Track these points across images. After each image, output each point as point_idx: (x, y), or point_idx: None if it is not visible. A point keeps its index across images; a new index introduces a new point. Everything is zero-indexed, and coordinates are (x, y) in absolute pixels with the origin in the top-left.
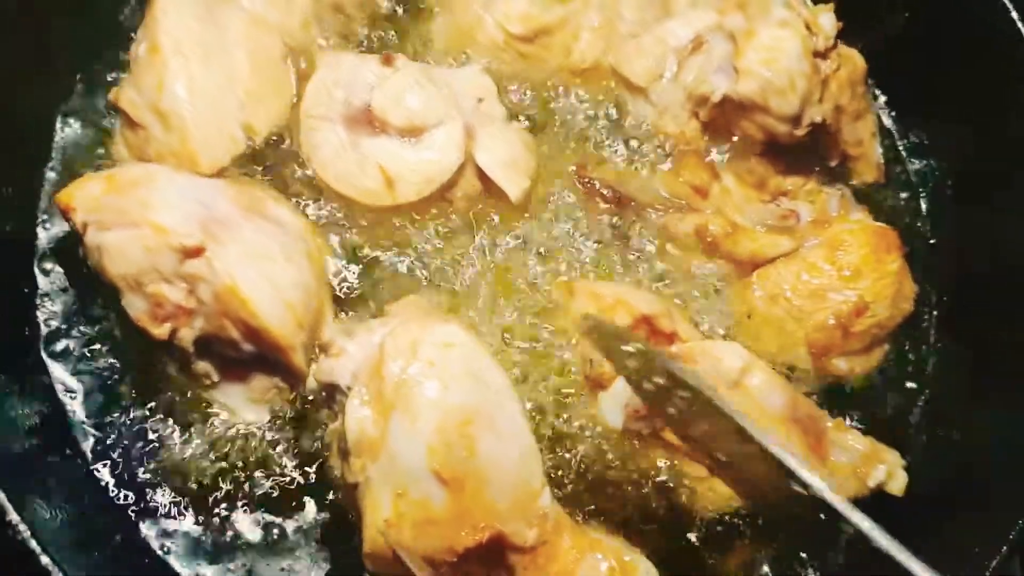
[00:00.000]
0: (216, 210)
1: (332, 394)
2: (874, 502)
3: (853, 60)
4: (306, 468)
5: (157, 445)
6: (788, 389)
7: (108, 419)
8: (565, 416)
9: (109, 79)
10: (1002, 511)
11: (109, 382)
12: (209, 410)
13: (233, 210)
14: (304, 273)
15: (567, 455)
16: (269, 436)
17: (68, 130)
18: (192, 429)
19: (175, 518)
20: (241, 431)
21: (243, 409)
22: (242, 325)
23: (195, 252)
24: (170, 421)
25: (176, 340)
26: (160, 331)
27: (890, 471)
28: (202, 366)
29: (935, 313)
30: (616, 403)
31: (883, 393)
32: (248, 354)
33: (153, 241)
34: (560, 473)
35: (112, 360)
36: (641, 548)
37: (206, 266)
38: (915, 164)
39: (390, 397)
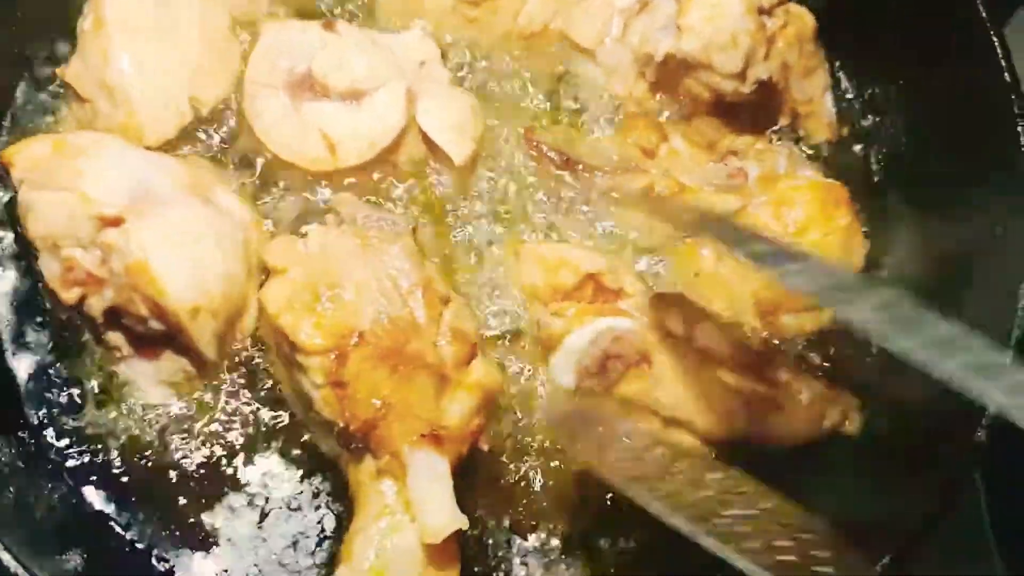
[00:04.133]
0: (152, 187)
1: None
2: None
3: (802, 17)
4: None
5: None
6: (737, 336)
7: (49, 383)
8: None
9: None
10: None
11: (55, 349)
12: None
13: (172, 190)
14: (232, 263)
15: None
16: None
17: (23, 105)
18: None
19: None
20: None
21: (150, 388)
22: (150, 302)
23: (113, 223)
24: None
25: (85, 307)
26: (68, 295)
27: (845, 412)
28: (113, 337)
29: (886, 270)
30: (568, 362)
31: (835, 348)
32: (157, 332)
33: (75, 206)
34: (519, 438)
35: (56, 325)
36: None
37: (122, 238)
38: (869, 121)
39: None
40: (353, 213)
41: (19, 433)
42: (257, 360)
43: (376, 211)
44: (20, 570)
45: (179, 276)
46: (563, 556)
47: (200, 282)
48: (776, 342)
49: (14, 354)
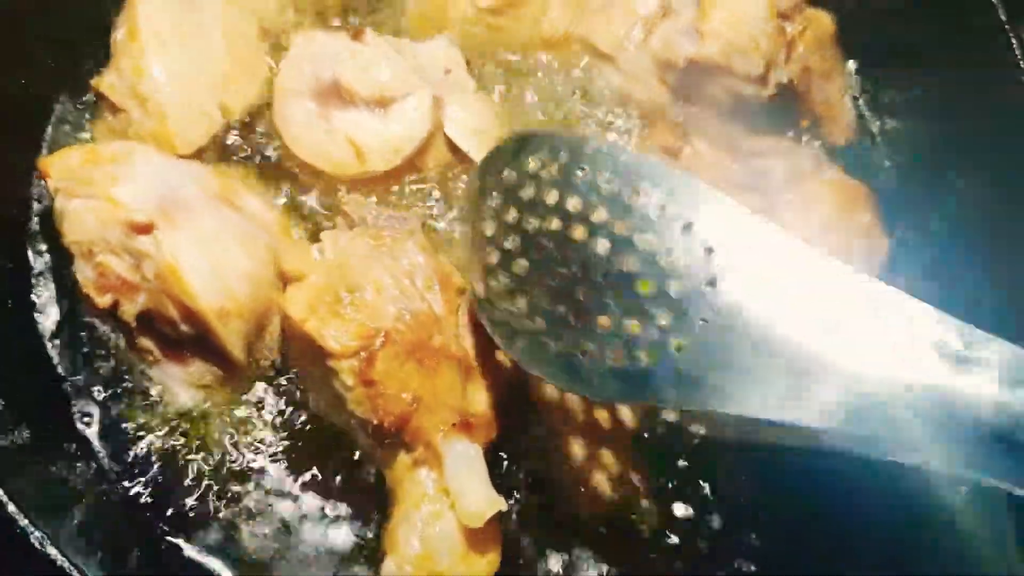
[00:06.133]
0: (181, 193)
1: None
2: None
3: (821, 21)
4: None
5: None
6: None
7: (98, 388)
8: None
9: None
10: None
11: (101, 356)
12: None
13: (199, 195)
14: (259, 266)
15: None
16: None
17: (60, 116)
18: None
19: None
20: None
21: (179, 390)
22: (181, 306)
23: (144, 229)
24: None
25: (119, 313)
26: (103, 300)
27: None
28: (144, 342)
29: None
30: None
31: None
32: (187, 336)
33: (107, 213)
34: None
35: (103, 334)
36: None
37: (153, 244)
38: (888, 123)
39: None
40: (363, 214)
41: (60, 434)
42: (284, 362)
43: (385, 210)
44: (65, 562)
45: (208, 280)
46: (592, 544)
47: (228, 286)
48: None
49: (53, 360)
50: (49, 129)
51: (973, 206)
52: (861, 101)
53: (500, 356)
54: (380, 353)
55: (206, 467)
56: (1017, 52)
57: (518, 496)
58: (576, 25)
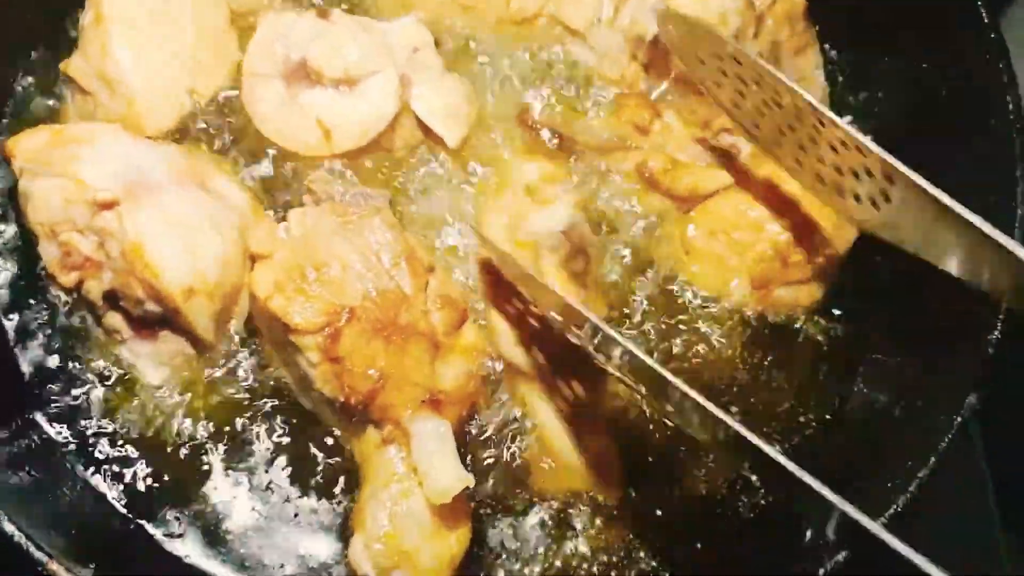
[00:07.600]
0: (148, 173)
1: None
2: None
3: None
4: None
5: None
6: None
7: (52, 370)
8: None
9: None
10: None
11: (57, 336)
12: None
13: (168, 175)
14: (229, 247)
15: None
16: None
17: (25, 95)
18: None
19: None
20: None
21: (149, 369)
22: (146, 284)
23: (108, 207)
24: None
25: (84, 291)
26: (67, 279)
27: None
28: (112, 320)
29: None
30: None
31: (833, 320)
32: (154, 315)
33: (71, 192)
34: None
35: (57, 313)
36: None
37: (117, 222)
38: (862, 96)
39: None
40: (329, 191)
41: (23, 421)
42: (255, 341)
43: (352, 187)
44: (33, 548)
45: (173, 258)
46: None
47: (195, 265)
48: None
49: (16, 343)
50: (13, 109)
51: (944, 179)
52: (836, 76)
53: (471, 334)
54: (345, 330)
55: (172, 445)
56: (985, 17)
57: (489, 473)
58: (546, 3)
